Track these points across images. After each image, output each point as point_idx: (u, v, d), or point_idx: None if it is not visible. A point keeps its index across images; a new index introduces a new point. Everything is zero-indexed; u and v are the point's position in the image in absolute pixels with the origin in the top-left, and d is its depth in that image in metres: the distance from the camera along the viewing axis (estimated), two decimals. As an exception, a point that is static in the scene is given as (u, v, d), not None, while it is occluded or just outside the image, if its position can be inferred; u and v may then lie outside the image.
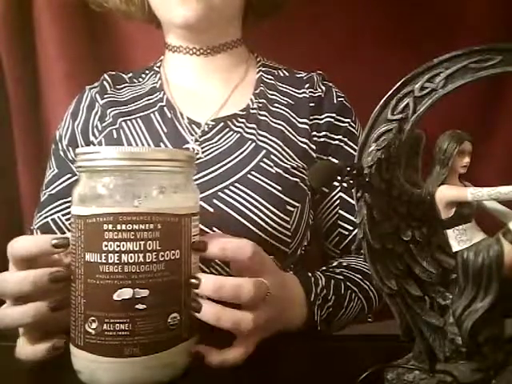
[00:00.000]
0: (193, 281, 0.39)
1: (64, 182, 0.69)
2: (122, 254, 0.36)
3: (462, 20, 0.92)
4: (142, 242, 0.36)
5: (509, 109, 0.93)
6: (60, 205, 0.68)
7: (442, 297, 0.36)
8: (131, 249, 0.36)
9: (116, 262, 0.36)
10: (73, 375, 0.38)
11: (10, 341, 0.48)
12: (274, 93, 0.71)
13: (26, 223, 0.88)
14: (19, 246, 0.41)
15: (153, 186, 0.38)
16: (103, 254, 0.36)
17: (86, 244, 0.37)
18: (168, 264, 0.37)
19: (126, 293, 0.36)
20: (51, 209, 0.68)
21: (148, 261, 0.36)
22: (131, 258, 0.36)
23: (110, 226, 0.36)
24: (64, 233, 0.67)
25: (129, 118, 0.68)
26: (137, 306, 0.36)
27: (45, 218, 0.68)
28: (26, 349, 0.41)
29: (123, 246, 0.36)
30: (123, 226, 0.36)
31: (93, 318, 0.36)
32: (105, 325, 0.36)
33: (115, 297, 0.36)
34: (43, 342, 0.41)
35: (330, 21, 0.92)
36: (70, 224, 0.40)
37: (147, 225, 0.36)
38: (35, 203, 0.73)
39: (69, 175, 0.69)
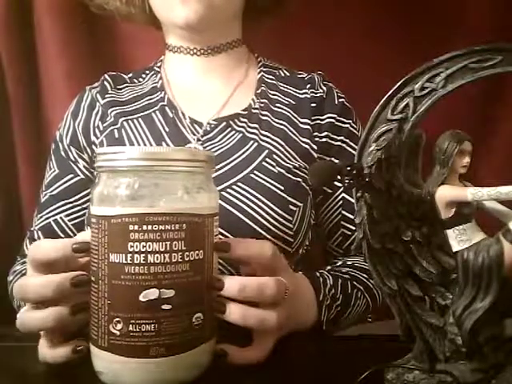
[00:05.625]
0: (216, 283, 0.39)
1: (65, 182, 0.69)
2: (148, 255, 0.36)
3: (461, 20, 0.92)
4: (168, 243, 0.36)
5: (509, 109, 0.93)
6: (62, 206, 0.68)
7: (442, 297, 0.36)
8: (157, 249, 0.36)
9: (142, 262, 0.36)
10: (85, 376, 0.38)
11: (11, 341, 0.48)
12: (276, 93, 0.71)
13: (26, 223, 0.88)
14: (39, 251, 0.41)
15: (177, 186, 0.38)
16: (129, 255, 0.36)
17: (111, 245, 0.36)
18: (192, 264, 0.37)
19: (152, 293, 0.36)
20: (53, 210, 0.68)
21: (174, 261, 0.36)
22: (157, 259, 0.36)
23: (136, 227, 0.36)
24: (67, 234, 0.67)
25: (130, 117, 0.68)
26: (163, 307, 0.36)
27: (46, 219, 0.68)
28: (47, 352, 0.41)
29: (149, 246, 0.36)
30: (149, 227, 0.36)
31: (118, 319, 0.36)
32: (130, 326, 0.36)
33: (141, 298, 0.35)
34: (63, 346, 0.41)
35: (330, 21, 0.92)
36: (89, 224, 0.39)
37: (173, 225, 0.36)
38: (35, 203, 0.73)
39: (70, 175, 0.69)
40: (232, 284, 0.39)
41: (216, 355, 0.40)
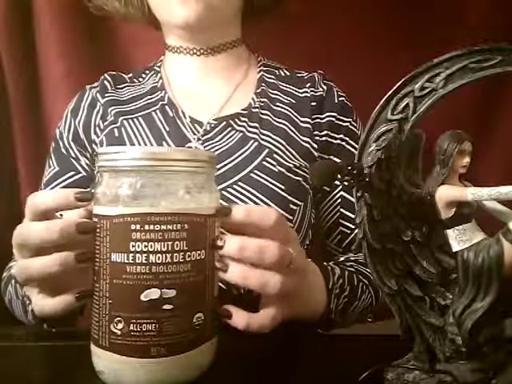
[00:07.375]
0: (217, 242, 0.39)
1: (66, 179, 0.68)
2: (150, 255, 0.36)
3: (461, 20, 0.92)
4: (170, 243, 0.36)
5: (509, 108, 0.93)
6: None
7: (442, 297, 0.36)
8: (159, 249, 0.36)
9: (144, 262, 0.36)
10: (86, 376, 0.38)
11: (11, 341, 0.48)
12: (276, 92, 0.71)
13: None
14: (40, 199, 0.40)
15: (179, 186, 0.38)
16: (130, 255, 0.36)
17: (112, 244, 0.36)
18: (194, 264, 0.37)
19: (153, 293, 0.36)
20: None
21: (175, 261, 0.36)
22: (159, 259, 0.36)
23: (138, 227, 0.35)
24: None
25: (130, 116, 0.68)
26: (164, 307, 0.36)
27: None
28: (46, 303, 0.40)
29: (151, 246, 0.36)
30: (151, 227, 0.36)
31: (119, 319, 0.36)
32: (131, 325, 0.36)
33: (142, 297, 0.35)
34: (63, 294, 0.39)
35: (329, 21, 0.92)
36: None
37: (175, 225, 0.36)
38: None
39: (71, 173, 0.69)
40: (232, 243, 0.38)
41: (220, 316, 0.40)
